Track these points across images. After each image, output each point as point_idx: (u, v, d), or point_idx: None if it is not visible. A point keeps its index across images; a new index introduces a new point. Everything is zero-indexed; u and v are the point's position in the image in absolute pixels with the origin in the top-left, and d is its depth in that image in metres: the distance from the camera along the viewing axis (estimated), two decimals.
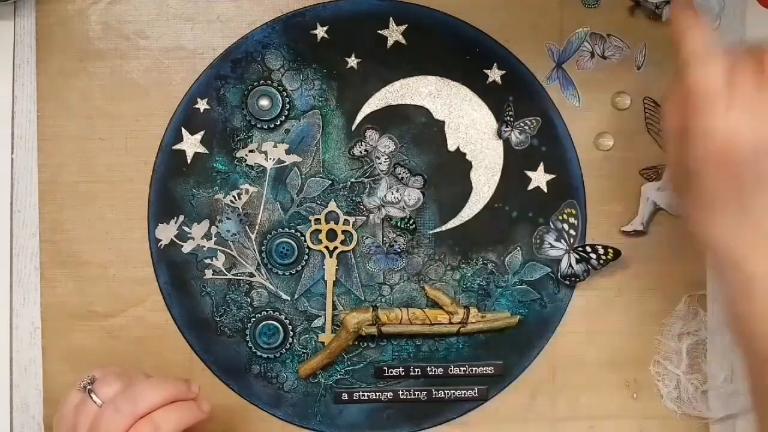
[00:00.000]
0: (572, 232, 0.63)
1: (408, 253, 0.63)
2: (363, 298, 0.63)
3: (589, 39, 0.63)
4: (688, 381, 0.64)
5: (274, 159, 0.62)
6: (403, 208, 0.63)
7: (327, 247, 0.62)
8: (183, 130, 0.62)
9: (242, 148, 0.62)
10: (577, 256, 0.63)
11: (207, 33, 0.62)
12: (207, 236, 0.62)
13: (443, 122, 0.63)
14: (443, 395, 0.63)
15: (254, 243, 0.62)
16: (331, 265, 0.63)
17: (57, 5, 0.62)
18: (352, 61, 0.62)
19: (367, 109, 0.63)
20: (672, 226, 0.64)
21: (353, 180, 0.63)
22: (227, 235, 0.62)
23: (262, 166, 0.62)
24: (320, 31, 0.62)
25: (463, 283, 0.63)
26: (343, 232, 0.62)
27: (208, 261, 0.62)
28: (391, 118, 0.63)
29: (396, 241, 0.63)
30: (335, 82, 0.63)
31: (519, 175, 0.63)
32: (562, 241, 0.63)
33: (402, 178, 0.63)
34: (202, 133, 0.62)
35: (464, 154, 0.63)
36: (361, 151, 0.63)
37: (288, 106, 0.62)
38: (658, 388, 0.64)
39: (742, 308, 0.48)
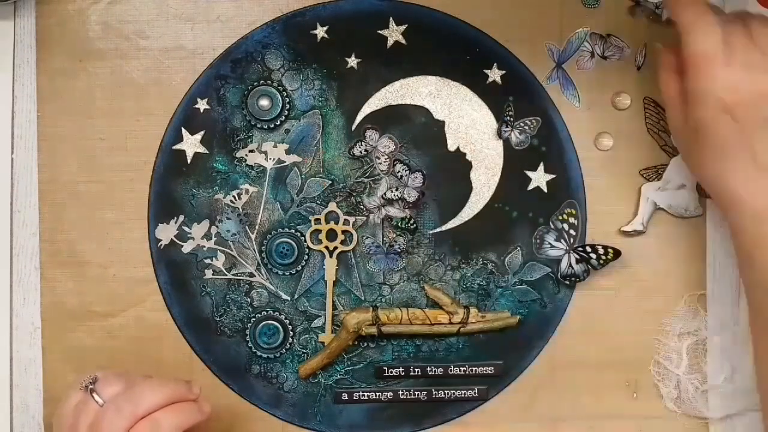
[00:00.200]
0: (572, 232, 0.63)
1: (408, 253, 0.63)
2: (363, 298, 0.63)
3: (589, 39, 0.63)
4: (688, 381, 0.64)
5: (274, 159, 0.62)
6: (403, 208, 0.63)
7: (327, 247, 0.62)
8: (183, 130, 0.62)
9: (242, 148, 0.62)
10: (577, 256, 0.63)
11: (207, 33, 0.62)
12: (207, 236, 0.62)
13: (443, 122, 0.63)
14: (443, 395, 0.63)
15: (254, 243, 0.62)
16: (331, 265, 0.63)
17: (57, 5, 0.62)
18: (352, 61, 0.62)
19: (367, 109, 0.63)
20: (672, 226, 0.64)
21: (353, 180, 0.63)
22: (227, 235, 0.62)
23: (262, 166, 0.62)
24: (320, 31, 0.62)
25: (463, 283, 0.63)
26: (343, 232, 0.62)
27: (208, 261, 0.62)
28: (391, 118, 0.63)
29: (396, 241, 0.63)
30: (335, 82, 0.62)
31: (519, 175, 0.63)
32: (562, 241, 0.63)
33: (402, 176, 0.63)
34: (202, 133, 0.62)
35: (464, 154, 0.63)
36: (361, 151, 0.63)
37: (288, 106, 0.62)
38: (658, 388, 0.64)
39: (747, 240, 0.54)
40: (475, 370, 0.63)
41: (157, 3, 0.62)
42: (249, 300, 0.63)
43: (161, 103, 0.62)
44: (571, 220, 0.63)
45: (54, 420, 0.53)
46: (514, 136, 0.63)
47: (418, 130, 0.63)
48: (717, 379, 0.64)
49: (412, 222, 0.63)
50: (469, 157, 0.63)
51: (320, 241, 0.62)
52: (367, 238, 0.63)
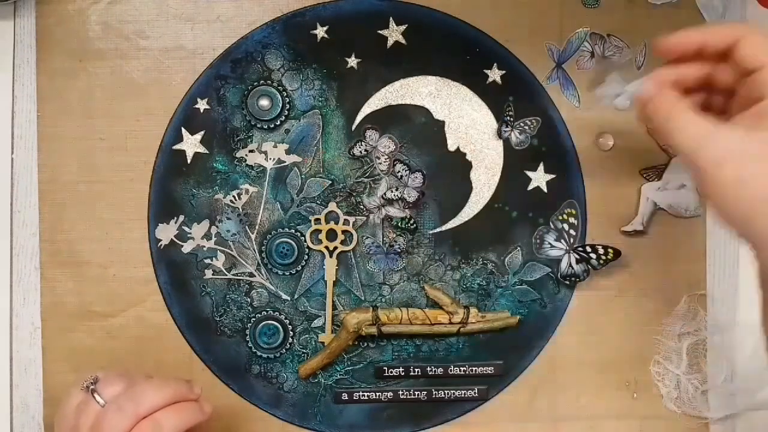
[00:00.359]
0: (572, 232, 0.63)
1: (408, 253, 0.63)
2: (363, 298, 0.63)
3: (589, 39, 0.63)
4: (688, 381, 0.64)
5: (274, 159, 0.62)
6: (403, 208, 0.63)
7: (327, 247, 0.62)
8: (183, 130, 0.62)
9: (242, 148, 0.62)
10: (577, 256, 0.63)
11: (207, 33, 0.62)
12: (207, 236, 0.62)
13: (443, 122, 0.63)
14: (443, 395, 0.63)
15: (254, 243, 0.62)
16: (331, 265, 0.63)
17: (57, 5, 0.61)
18: (352, 61, 0.62)
19: (367, 109, 0.63)
20: (672, 226, 0.64)
21: (353, 180, 0.63)
22: (227, 235, 0.62)
23: (262, 166, 0.62)
24: (320, 31, 0.62)
25: (463, 283, 0.63)
26: (343, 232, 0.62)
27: (208, 261, 0.62)
28: (391, 118, 0.63)
29: (396, 241, 0.63)
30: (335, 82, 0.62)
31: (519, 175, 0.63)
32: (562, 241, 0.63)
33: (402, 176, 0.63)
34: (202, 133, 0.62)
35: (464, 154, 0.63)
36: (361, 151, 0.63)
37: (288, 106, 0.62)
38: (658, 388, 0.64)
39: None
40: (475, 370, 0.63)
41: (157, 3, 0.62)
42: (249, 300, 0.63)
43: (161, 103, 0.62)
44: (571, 220, 0.63)
45: (55, 420, 0.53)
46: (514, 136, 0.63)
47: (418, 130, 0.63)
48: (717, 379, 0.64)
49: (412, 222, 0.63)
50: (469, 157, 0.63)
51: (320, 241, 0.62)
52: (367, 238, 0.63)
